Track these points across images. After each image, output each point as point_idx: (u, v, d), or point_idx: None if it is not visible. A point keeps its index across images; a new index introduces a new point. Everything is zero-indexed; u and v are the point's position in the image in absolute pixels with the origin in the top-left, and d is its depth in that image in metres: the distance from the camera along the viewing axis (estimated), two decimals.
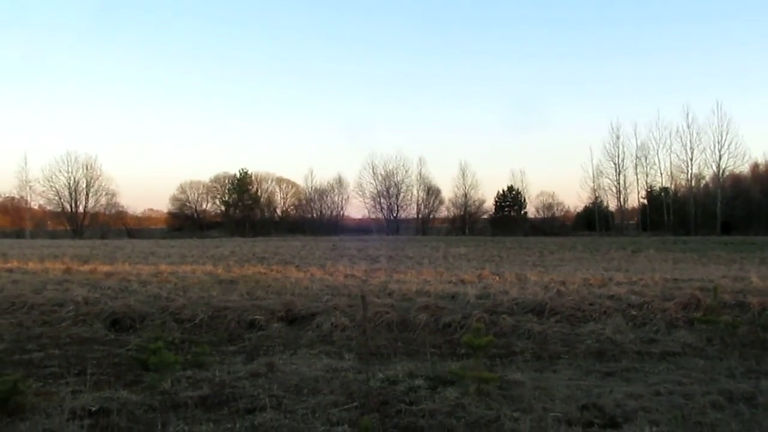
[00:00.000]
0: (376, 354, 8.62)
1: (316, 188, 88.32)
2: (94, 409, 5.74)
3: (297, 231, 78.19)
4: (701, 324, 9.96)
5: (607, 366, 7.86)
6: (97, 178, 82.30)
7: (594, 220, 75.84)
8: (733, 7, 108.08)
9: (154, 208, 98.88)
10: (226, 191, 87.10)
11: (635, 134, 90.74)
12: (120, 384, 6.77)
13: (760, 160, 76.39)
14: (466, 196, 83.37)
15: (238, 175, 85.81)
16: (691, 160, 72.13)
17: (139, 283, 15.71)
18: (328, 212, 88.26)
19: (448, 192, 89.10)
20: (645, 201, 77.10)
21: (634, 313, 11.00)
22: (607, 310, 11.10)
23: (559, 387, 6.49)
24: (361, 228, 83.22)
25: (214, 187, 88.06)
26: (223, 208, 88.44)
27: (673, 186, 75.98)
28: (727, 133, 69.63)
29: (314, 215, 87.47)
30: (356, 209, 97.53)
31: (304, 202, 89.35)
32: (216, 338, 10.08)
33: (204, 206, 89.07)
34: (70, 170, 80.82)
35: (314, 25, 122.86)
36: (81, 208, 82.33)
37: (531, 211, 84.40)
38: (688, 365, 7.81)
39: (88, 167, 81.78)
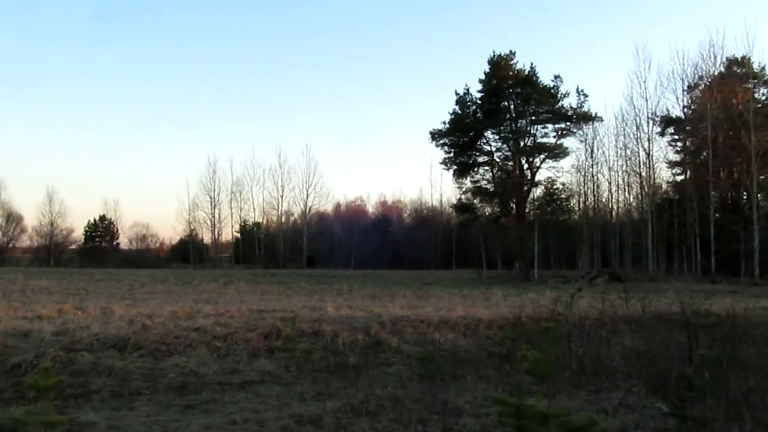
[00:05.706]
0: None
1: None
2: None
3: None
4: (281, 352, 10.49)
5: (188, 399, 7.79)
6: None
7: (189, 252, 76.12)
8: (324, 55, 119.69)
9: None
10: None
11: (231, 170, 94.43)
12: None
13: (342, 200, 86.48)
14: (52, 224, 76.55)
15: None
16: (282, 197, 77.97)
17: None
18: None
19: (32, 220, 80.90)
20: (239, 235, 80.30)
21: (219, 344, 11.15)
22: (192, 343, 11.05)
23: (136, 425, 6.22)
24: None
25: None
26: None
27: (265, 221, 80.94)
28: (314, 174, 76.96)
29: None
30: None
31: None
32: None
33: None
34: None
35: None
36: None
37: (124, 242, 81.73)
38: (265, 393, 8.15)
39: None
